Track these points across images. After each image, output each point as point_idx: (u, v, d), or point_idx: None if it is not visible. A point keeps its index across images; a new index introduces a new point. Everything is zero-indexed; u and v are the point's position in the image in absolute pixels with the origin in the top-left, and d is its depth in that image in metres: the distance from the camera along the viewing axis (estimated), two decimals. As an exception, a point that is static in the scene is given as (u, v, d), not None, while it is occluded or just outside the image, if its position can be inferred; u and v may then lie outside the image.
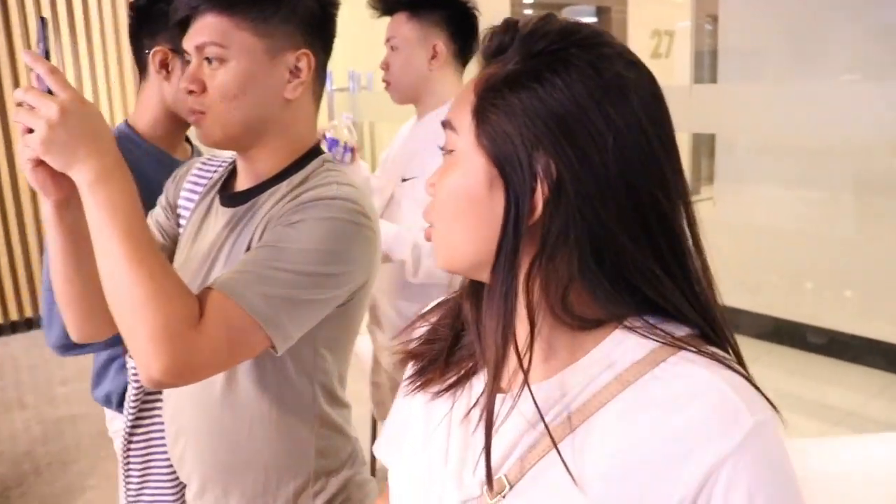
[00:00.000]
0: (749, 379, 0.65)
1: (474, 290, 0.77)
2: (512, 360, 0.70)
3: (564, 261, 0.65)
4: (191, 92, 1.07)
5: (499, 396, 0.71)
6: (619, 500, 0.63)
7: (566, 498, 0.65)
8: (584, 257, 0.65)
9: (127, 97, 5.25)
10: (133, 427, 1.30)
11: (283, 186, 1.12)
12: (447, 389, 0.79)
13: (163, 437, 1.27)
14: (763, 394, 0.64)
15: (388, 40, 1.95)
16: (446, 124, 0.71)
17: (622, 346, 0.68)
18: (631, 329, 0.68)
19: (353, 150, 2.10)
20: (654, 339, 0.67)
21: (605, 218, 0.64)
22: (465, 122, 0.68)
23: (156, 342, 0.89)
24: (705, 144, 4.91)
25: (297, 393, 1.13)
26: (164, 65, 1.50)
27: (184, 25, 1.09)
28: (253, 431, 1.13)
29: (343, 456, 1.22)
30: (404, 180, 1.90)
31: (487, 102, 0.67)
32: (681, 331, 0.68)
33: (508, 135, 0.65)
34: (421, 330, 0.86)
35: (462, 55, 1.96)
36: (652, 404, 0.64)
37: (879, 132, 2.52)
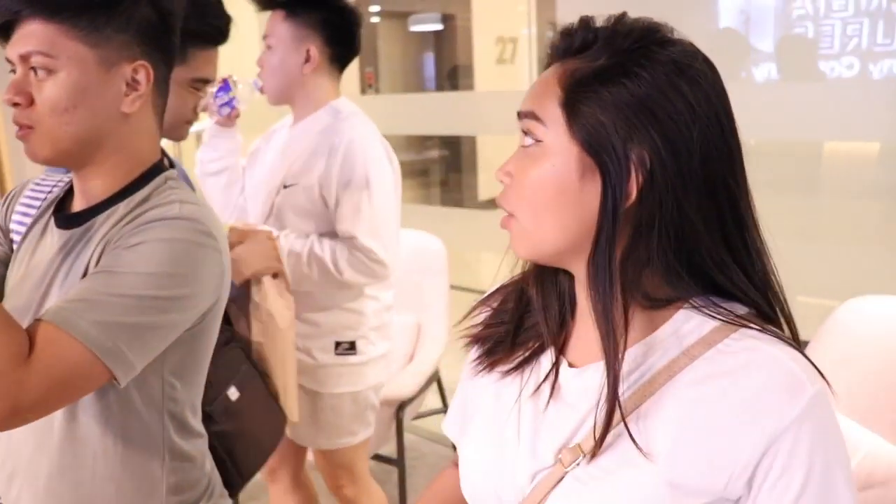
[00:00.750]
0: (804, 354, 0.73)
1: (540, 275, 0.86)
2: (582, 336, 0.83)
3: (645, 244, 0.74)
4: (15, 105, 1.01)
5: (571, 370, 0.82)
6: (689, 464, 0.71)
7: (638, 464, 0.72)
8: (664, 241, 0.74)
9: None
10: None
11: (122, 207, 1.08)
12: (516, 368, 0.87)
13: None
14: (817, 367, 0.73)
15: (265, 37, 1.93)
16: (528, 115, 0.76)
17: (688, 324, 0.76)
18: (696, 308, 0.76)
19: (236, 114, 2.08)
20: (717, 318, 0.75)
21: (686, 204, 0.72)
22: (554, 115, 0.75)
23: None
24: None
25: (144, 425, 1.08)
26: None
27: (4, 31, 1.03)
28: (97, 469, 1.07)
29: (199, 490, 1.18)
30: (286, 187, 1.93)
31: (579, 96, 0.73)
32: (741, 310, 0.77)
33: (604, 125, 0.72)
34: (481, 316, 0.94)
35: (339, 61, 1.98)
36: (719, 375, 0.72)
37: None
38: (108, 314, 0.94)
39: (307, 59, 1.93)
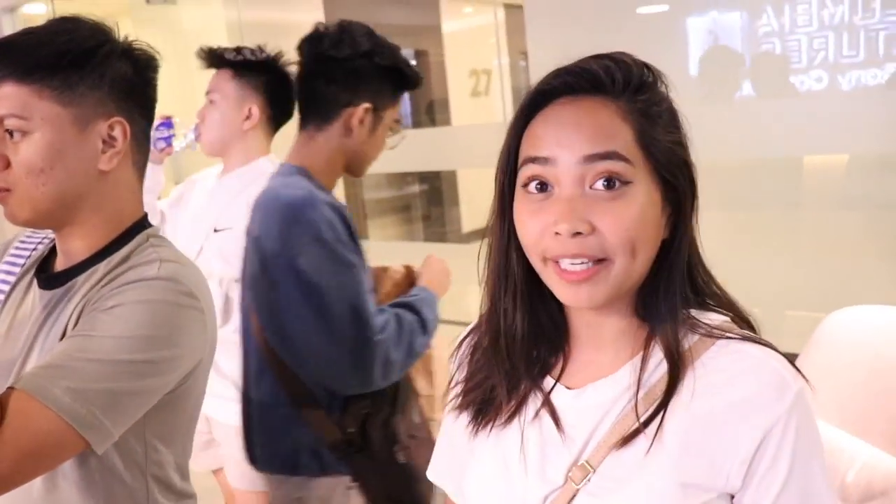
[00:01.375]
0: (781, 352, 0.80)
1: (532, 309, 0.87)
2: (577, 359, 0.87)
3: (673, 263, 0.81)
4: None
5: (570, 393, 0.85)
6: (695, 465, 0.77)
7: (652, 471, 0.78)
8: (685, 258, 0.82)
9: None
10: None
11: (102, 266, 1.06)
12: (513, 415, 0.88)
13: None
14: (795, 366, 0.80)
15: (208, 92, 2.12)
16: (612, 156, 0.76)
17: (679, 335, 0.81)
18: (679, 322, 0.82)
19: (168, 151, 2.26)
20: (701, 333, 0.82)
21: (692, 226, 0.83)
22: (636, 154, 0.78)
23: None
24: None
25: (127, 490, 1.05)
26: (362, 121, 1.60)
27: None
28: None
29: None
30: (216, 231, 2.06)
31: (657, 137, 0.79)
32: (719, 318, 0.85)
33: (680, 164, 0.81)
34: (459, 374, 0.94)
35: (275, 121, 2.18)
36: (714, 380, 0.78)
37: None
38: (83, 380, 0.92)
39: (248, 117, 2.12)
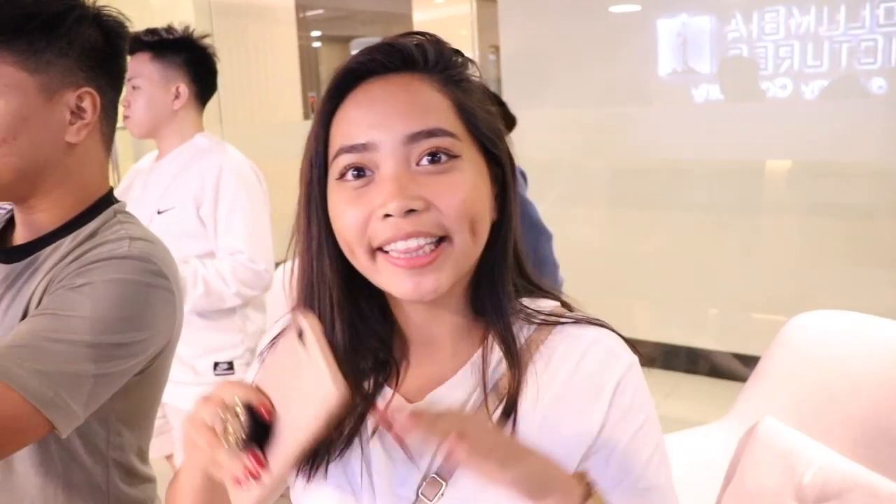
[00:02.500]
0: (615, 330, 0.79)
1: (350, 319, 0.77)
2: (412, 367, 0.79)
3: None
4: None
5: (406, 405, 0.76)
6: (554, 448, 0.71)
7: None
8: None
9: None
10: None
11: (68, 241, 1.01)
12: (348, 445, 0.77)
13: None
14: (630, 343, 0.79)
15: (129, 79, 2.00)
16: (438, 133, 0.69)
17: (514, 327, 0.77)
18: (514, 315, 0.78)
19: None
20: (534, 323, 0.78)
21: (516, 209, 0.78)
22: (460, 128, 0.72)
23: None
24: None
25: (87, 474, 1.01)
26: None
27: None
28: None
29: None
30: (159, 213, 2.03)
31: (477, 109, 0.73)
32: (549, 304, 0.81)
33: (500, 137, 0.75)
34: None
35: (202, 97, 2.14)
36: (556, 370, 0.76)
37: (651, 152, 3.62)
38: (50, 362, 0.88)
39: (177, 96, 2.08)
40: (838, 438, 1.57)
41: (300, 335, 0.61)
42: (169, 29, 2.10)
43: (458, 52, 0.77)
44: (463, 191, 0.70)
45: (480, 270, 0.77)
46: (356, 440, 0.78)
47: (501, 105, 2.05)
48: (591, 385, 0.76)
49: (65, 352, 0.89)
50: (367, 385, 0.80)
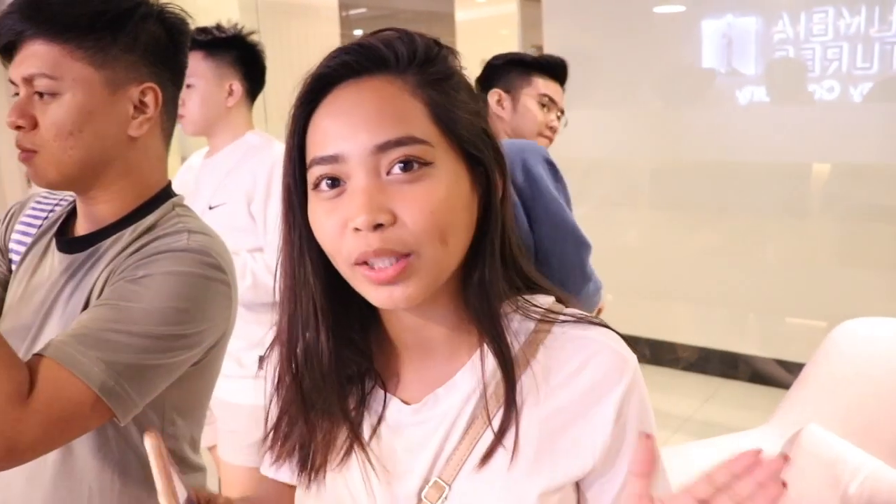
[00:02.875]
0: (615, 330, 0.78)
1: (335, 328, 0.76)
2: (410, 371, 0.78)
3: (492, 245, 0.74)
4: (18, 128, 0.98)
5: (408, 408, 0.76)
6: (555, 462, 0.73)
7: (506, 476, 0.72)
8: (503, 239, 0.75)
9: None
10: None
11: (128, 233, 1.03)
12: (349, 451, 0.77)
13: None
14: (620, 335, 0.78)
15: None
16: (407, 141, 0.67)
17: (512, 326, 0.75)
18: (513, 311, 0.76)
19: None
20: (534, 318, 0.76)
21: (508, 207, 0.77)
22: (434, 133, 0.69)
23: None
24: None
25: (141, 461, 1.03)
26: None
27: (7, 51, 1.00)
28: None
29: None
30: (211, 208, 2.06)
31: (455, 110, 0.70)
32: (545, 300, 0.79)
33: (484, 137, 0.72)
34: (272, 410, 0.81)
35: (252, 94, 2.17)
36: (562, 374, 0.74)
37: (696, 153, 3.59)
38: (113, 352, 0.90)
39: (230, 94, 2.10)
40: (887, 447, 1.54)
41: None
42: (219, 27, 2.12)
43: (437, 45, 0.74)
44: (432, 202, 0.68)
45: (468, 273, 0.75)
46: (354, 450, 0.78)
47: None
48: (597, 390, 0.74)
49: (126, 342, 0.91)
50: (359, 391, 0.79)
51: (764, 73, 3.56)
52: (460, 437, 0.75)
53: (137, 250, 1.01)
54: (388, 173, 0.68)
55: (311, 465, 0.79)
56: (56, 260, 1.09)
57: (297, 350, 0.77)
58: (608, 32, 3.93)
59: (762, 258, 3.73)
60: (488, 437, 0.73)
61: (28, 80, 0.97)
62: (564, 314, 0.78)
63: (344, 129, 0.69)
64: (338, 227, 0.69)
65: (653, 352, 4.09)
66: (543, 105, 2.11)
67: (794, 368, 3.51)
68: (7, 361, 0.83)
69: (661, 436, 3.25)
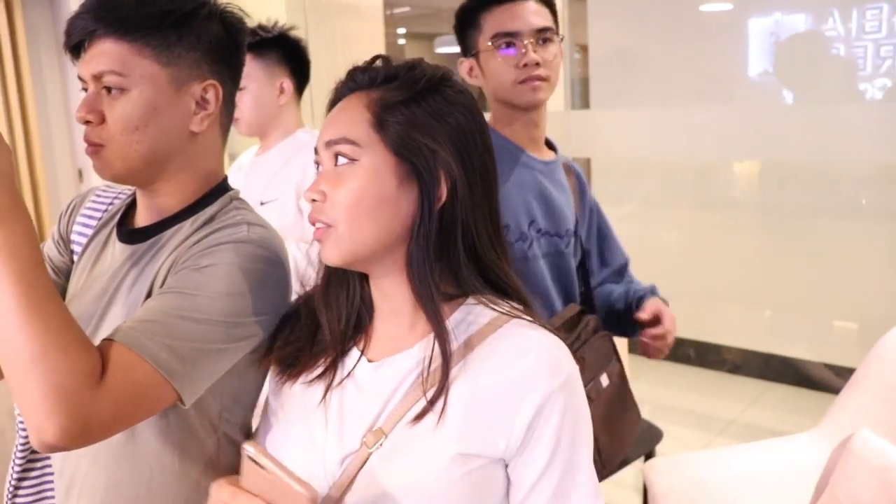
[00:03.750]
0: (561, 339, 0.89)
1: (326, 286, 0.98)
2: (381, 335, 0.95)
3: (445, 242, 0.90)
4: (87, 122, 1.02)
5: (370, 365, 0.94)
6: (474, 435, 0.85)
7: (432, 437, 0.86)
8: (460, 240, 0.90)
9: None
10: (19, 479, 1.16)
11: (188, 224, 1.08)
12: (320, 376, 0.96)
13: (53, 491, 1.16)
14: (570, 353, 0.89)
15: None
16: (340, 140, 0.88)
17: (472, 314, 0.90)
18: (478, 302, 0.91)
19: None
20: (496, 310, 0.90)
21: (474, 209, 0.91)
22: (368, 135, 0.88)
23: (51, 402, 0.81)
24: (582, 169, 5.27)
25: (200, 444, 1.08)
26: None
27: (76, 49, 1.05)
28: (153, 485, 1.07)
29: None
30: (262, 204, 2.10)
31: (391, 117, 0.88)
32: (510, 304, 0.92)
33: (415, 139, 0.88)
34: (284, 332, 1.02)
35: (299, 91, 2.20)
36: (499, 359, 0.87)
37: (741, 152, 3.51)
38: (178, 337, 0.94)
39: (281, 92, 2.13)
40: (940, 455, 1.50)
41: (255, 462, 0.77)
42: (262, 27, 2.14)
43: (409, 68, 0.93)
44: (349, 188, 0.88)
45: (420, 260, 0.90)
46: (322, 385, 0.96)
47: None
48: (524, 382, 0.86)
49: (191, 328, 0.95)
50: (341, 343, 0.98)
51: (813, 71, 3.50)
52: (402, 397, 0.89)
53: (199, 241, 1.04)
54: (336, 164, 0.90)
55: (291, 369, 0.99)
56: (118, 250, 1.13)
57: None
58: (654, 31, 3.90)
59: (810, 260, 3.67)
60: (423, 401, 0.87)
61: (97, 77, 1.02)
62: (523, 315, 0.91)
63: (322, 130, 0.93)
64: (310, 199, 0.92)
65: (698, 354, 4.06)
66: (508, 45, 1.55)
67: (843, 372, 3.49)
68: (81, 344, 0.86)
69: (705, 438, 3.24)
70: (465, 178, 0.90)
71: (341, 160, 0.90)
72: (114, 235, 1.15)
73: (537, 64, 1.50)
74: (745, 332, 3.93)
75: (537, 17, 1.53)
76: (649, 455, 2.25)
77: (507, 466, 0.89)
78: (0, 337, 0.82)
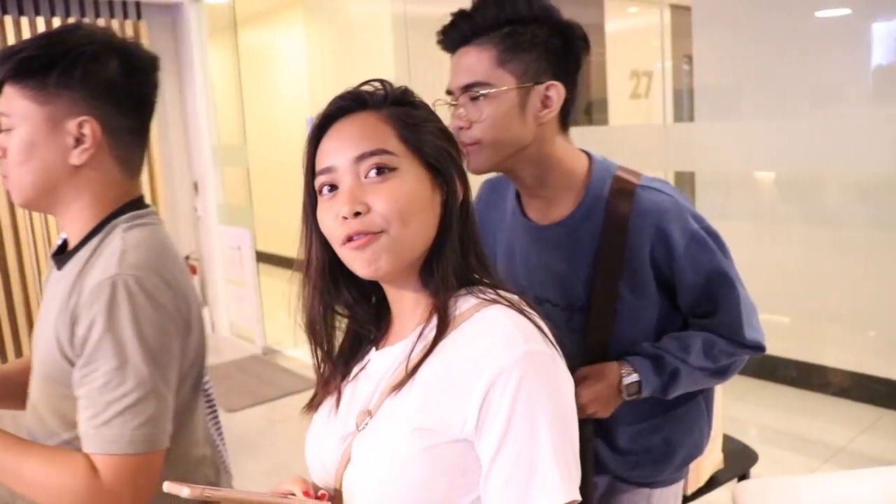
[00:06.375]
0: (538, 325, 0.92)
1: (338, 295, 1.05)
2: (392, 328, 1.04)
3: (455, 240, 0.98)
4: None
5: (375, 354, 1.04)
6: (433, 409, 0.90)
7: (396, 417, 0.93)
8: (463, 240, 0.99)
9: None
10: None
11: (83, 253, 1.18)
12: (339, 386, 1.06)
13: None
14: (550, 339, 0.92)
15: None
16: (378, 152, 0.94)
17: (460, 301, 0.96)
18: (468, 293, 0.97)
19: None
20: (481, 298, 0.96)
21: (469, 212, 1.01)
22: (398, 147, 0.95)
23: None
24: (686, 183, 4.45)
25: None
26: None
27: None
28: None
29: None
30: None
31: (418, 132, 0.97)
32: (496, 294, 0.97)
33: (442, 150, 0.98)
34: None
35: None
36: (462, 339, 0.92)
37: (853, 166, 3.26)
38: (136, 416, 1.08)
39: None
40: None
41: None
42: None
43: (407, 93, 1.03)
44: (396, 195, 0.93)
45: (430, 259, 0.98)
46: (339, 387, 1.05)
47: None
48: (480, 360, 0.88)
49: (138, 399, 1.10)
50: (359, 347, 1.08)
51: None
52: (390, 379, 0.97)
53: (82, 280, 1.15)
54: (366, 177, 0.94)
55: (312, 401, 1.09)
56: (52, 276, 1.27)
57: (307, 307, 1.05)
58: (763, 39, 3.76)
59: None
60: (401, 382, 0.94)
61: None
62: (504, 301, 0.95)
63: (335, 147, 0.97)
64: (332, 217, 0.95)
65: (800, 374, 3.88)
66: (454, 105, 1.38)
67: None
68: (61, 457, 1.09)
69: (810, 464, 3.09)
70: (464, 185, 1.01)
71: (374, 173, 0.94)
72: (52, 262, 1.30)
73: (461, 127, 1.34)
74: (854, 354, 3.75)
75: (466, 72, 1.34)
76: (743, 477, 2.18)
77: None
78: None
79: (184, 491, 0.80)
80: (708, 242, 1.39)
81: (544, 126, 1.36)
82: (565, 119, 1.42)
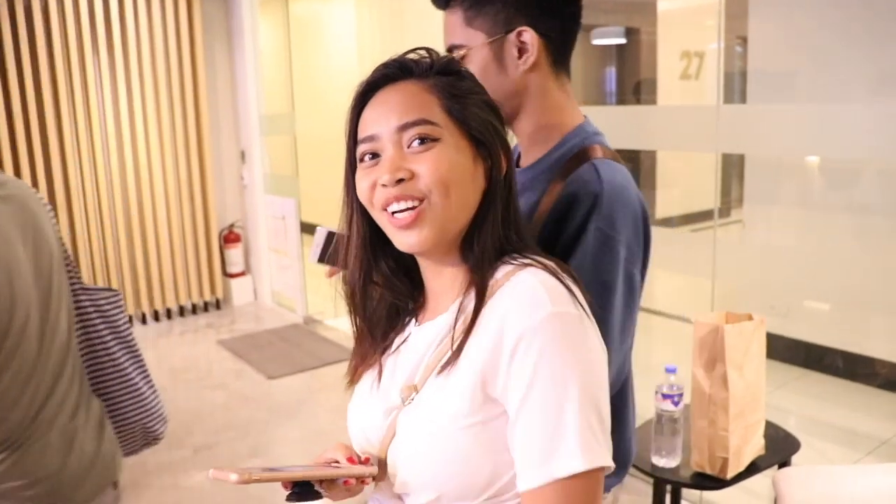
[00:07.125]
0: (570, 288, 0.90)
1: (373, 272, 1.06)
2: (429, 301, 1.05)
3: (496, 212, 0.98)
4: None
5: (416, 328, 1.05)
6: (475, 381, 0.89)
7: (447, 387, 0.92)
8: (505, 210, 0.99)
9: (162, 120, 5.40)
10: None
11: None
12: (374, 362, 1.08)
13: None
14: (581, 303, 0.90)
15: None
16: (421, 122, 0.94)
17: (495, 274, 0.95)
18: (503, 263, 0.96)
19: None
20: (514, 263, 0.95)
21: (512, 185, 1.01)
22: (442, 118, 0.94)
23: None
24: (735, 166, 4.59)
25: None
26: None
27: None
28: None
29: None
30: None
31: (463, 102, 0.97)
32: (532, 259, 0.96)
33: (484, 120, 0.98)
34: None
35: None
36: (497, 302, 0.92)
37: None
38: None
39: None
40: None
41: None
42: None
43: (453, 61, 1.03)
44: (439, 163, 0.93)
45: (471, 232, 0.98)
46: (379, 359, 1.06)
47: None
48: (507, 320, 0.88)
49: None
50: (398, 319, 1.09)
51: None
52: (433, 354, 0.97)
53: None
54: (409, 146, 0.95)
55: (354, 373, 1.10)
56: None
57: (351, 276, 1.07)
58: (822, 21, 3.66)
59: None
60: (449, 359, 0.93)
61: None
62: (537, 263, 0.94)
63: (379, 117, 0.96)
64: (370, 183, 0.96)
65: (846, 365, 3.80)
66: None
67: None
68: None
69: (852, 456, 3.03)
70: (507, 156, 1.01)
71: (417, 143, 0.94)
72: None
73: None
74: (903, 347, 3.65)
75: (447, 35, 1.36)
76: (784, 464, 2.16)
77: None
78: None
79: (231, 477, 0.78)
80: (618, 253, 1.20)
81: (530, 74, 1.33)
82: (557, 63, 1.35)
